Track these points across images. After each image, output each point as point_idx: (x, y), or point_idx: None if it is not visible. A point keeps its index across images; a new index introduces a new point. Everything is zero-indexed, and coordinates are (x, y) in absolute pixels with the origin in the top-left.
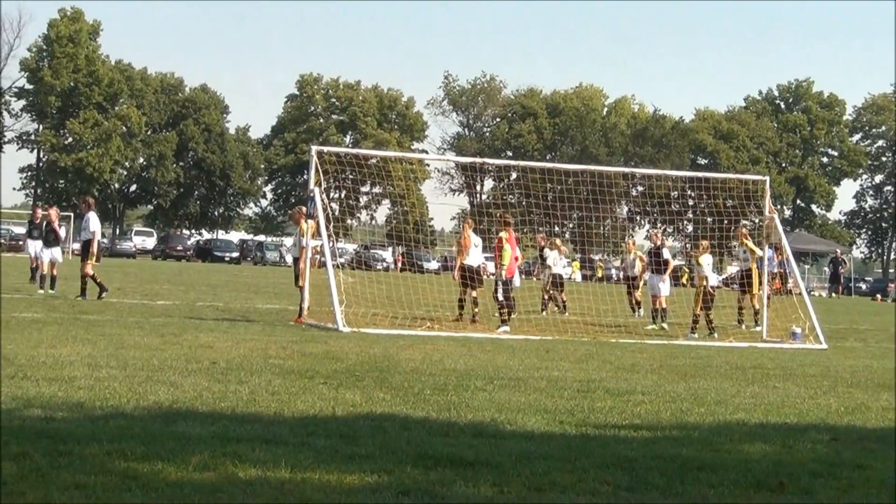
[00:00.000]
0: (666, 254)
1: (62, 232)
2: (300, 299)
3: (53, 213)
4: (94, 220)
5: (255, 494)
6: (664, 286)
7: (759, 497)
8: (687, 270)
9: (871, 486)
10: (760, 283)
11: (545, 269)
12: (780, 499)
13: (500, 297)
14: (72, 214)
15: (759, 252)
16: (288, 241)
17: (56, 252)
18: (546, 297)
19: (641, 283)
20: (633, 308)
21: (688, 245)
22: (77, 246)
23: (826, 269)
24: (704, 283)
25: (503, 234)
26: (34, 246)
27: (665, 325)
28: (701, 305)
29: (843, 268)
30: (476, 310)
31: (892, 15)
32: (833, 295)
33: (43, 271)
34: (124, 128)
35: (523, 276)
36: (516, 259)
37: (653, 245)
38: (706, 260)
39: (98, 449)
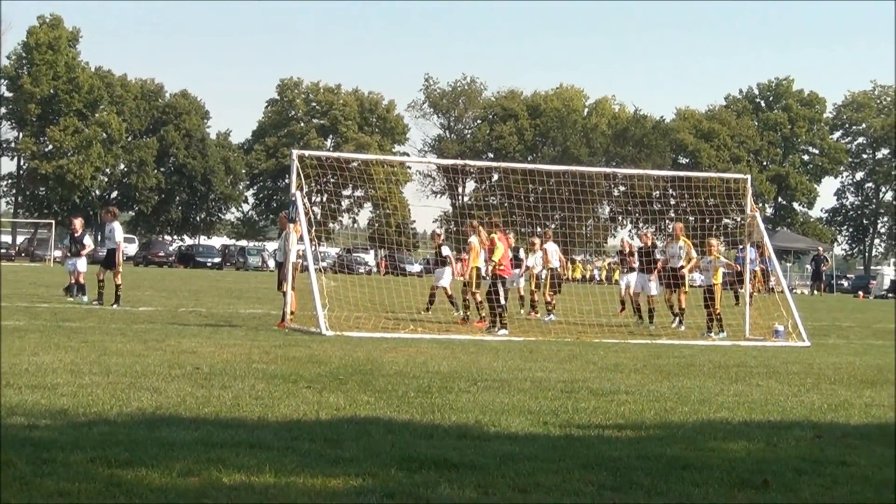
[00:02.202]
0: (658, 254)
1: (88, 241)
2: (283, 304)
3: (78, 223)
4: (118, 230)
5: (239, 499)
6: (653, 285)
7: (743, 495)
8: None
9: (855, 482)
10: (742, 283)
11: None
12: (764, 497)
13: (496, 298)
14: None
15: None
16: (270, 246)
17: (80, 262)
18: (535, 298)
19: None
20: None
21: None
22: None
23: (808, 266)
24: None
25: (494, 235)
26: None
27: (651, 326)
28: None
29: (825, 265)
30: (482, 313)
31: (873, 13)
32: (815, 292)
33: (71, 281)
34: (105, 134)
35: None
36: (510, 259)
37: (642, 245)
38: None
39: (81, 456)
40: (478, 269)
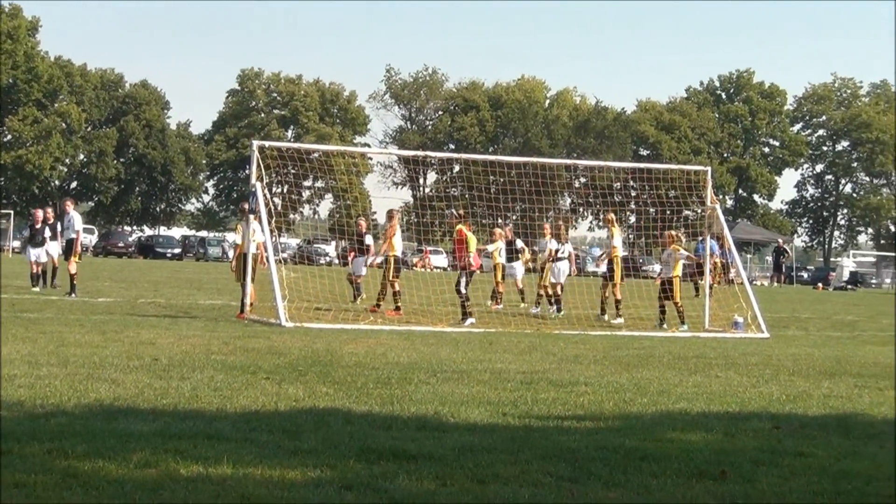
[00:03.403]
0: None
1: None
2: (242, 295)
3: (48, 212)
4: (77, 220)
5: (197, 491)
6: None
7: (701, 486)
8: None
9: (812, 473)
10: (702, 273)
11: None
12: (722, 487)
13: (464, 290)
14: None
15: (690, 257)
16: (230, 237)
17: (52, 247)
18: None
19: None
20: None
21: (631, 236)
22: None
23: (768, 258)
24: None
25: (461, 226)
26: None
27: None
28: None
29: (784, 257)
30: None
31: (834, 6)
32: (775, 284)
33: (34, 271)
34: (64, 124)
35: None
36: (478, 251)
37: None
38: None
39: (39, 448)
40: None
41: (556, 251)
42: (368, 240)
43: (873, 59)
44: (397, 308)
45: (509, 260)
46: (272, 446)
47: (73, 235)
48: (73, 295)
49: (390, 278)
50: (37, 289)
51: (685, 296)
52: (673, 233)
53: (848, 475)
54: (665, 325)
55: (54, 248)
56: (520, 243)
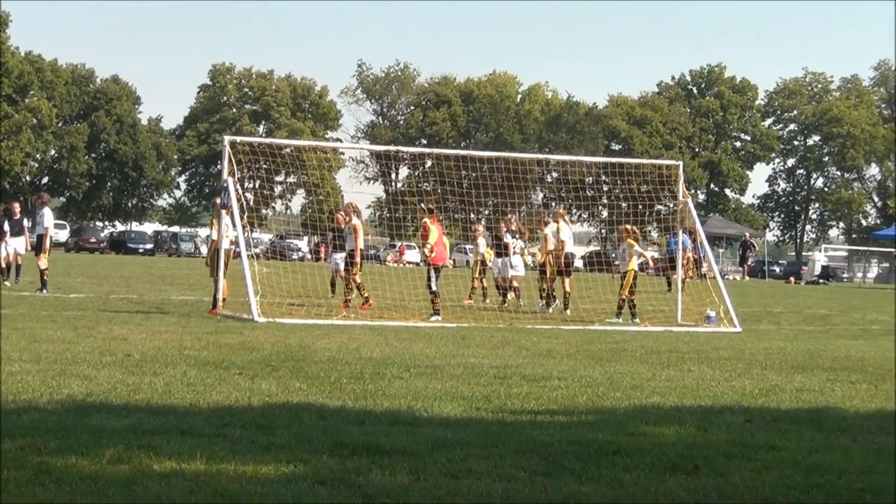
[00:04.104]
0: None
1: (27, 223)
2: (214, 290)
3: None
4: (48, 216)
5: (169, 487)
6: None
7: (673, 480)
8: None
9: (784, 466)
10: (674, 268)
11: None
12: (695, 481)
13: (434, 287)
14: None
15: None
16: (202, 232)
17: (19, 243)
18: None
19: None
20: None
21: (603, 230)
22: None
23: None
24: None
25: (426, 220)
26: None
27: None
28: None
29: (751, 251)
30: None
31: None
32: (739, 277)
33: (2, 265)
34: (35, 120)
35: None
36: (444, 246)
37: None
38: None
39: (11, 444)
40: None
41: (507, 246)
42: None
43: (844, 54)
44: (366, 300)
45: (501, 255)
46: (245, 442)
47: (43, 231)
48: (45, 291)
49: (354, 272)
50: (8, 283)
51: (658, 290)
52: (628, 227)
53: (820, 468)
54: (637, 319)
55: (20, 244)
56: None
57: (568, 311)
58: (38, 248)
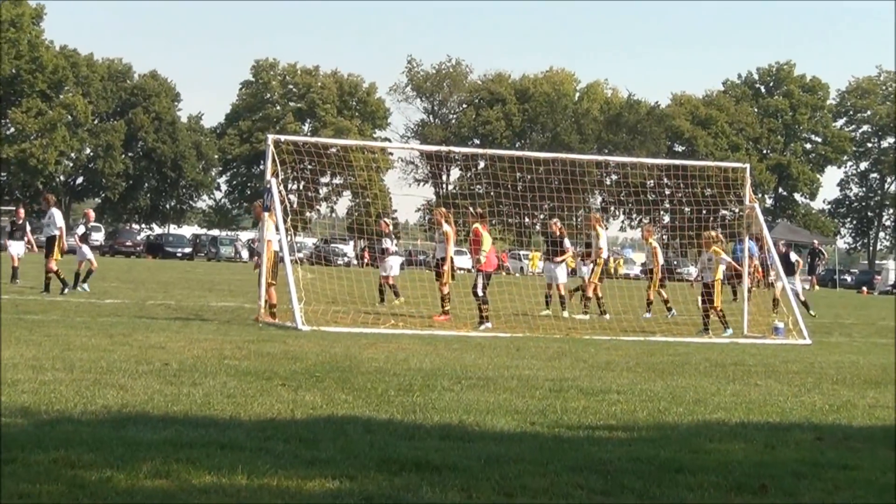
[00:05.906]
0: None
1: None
2: (268, 296)
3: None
4: (58, 217)
5: (210, 502)
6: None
7: (740, 500)
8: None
9: (857, 487)
10: (739, 277)
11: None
12: (762, 501)
13: (480, 293)
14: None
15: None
16: (243, 236)
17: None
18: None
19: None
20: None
21: (665, 236)
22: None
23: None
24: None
25: (477, 225)
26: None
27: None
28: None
29: (820, 259)
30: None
31: None
32: (808, 287)
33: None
34: (70, 117)
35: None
36: (494, 252)
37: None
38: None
39: (44, 456)
40: (452, 259)
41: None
42: (387, 242)
43: None
44: (445, 312)
45: (548, 259)
46: (289, 456)
47: (56, 233)
48: (66, 290)
49: (444, 282)
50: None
51: (724, 300)
52: (713, 234)
53: (894, 489)
54: (710, 332)
55: (19, 248)
56: (567, 243)
57: (607, 316)
58: (48, 249)
